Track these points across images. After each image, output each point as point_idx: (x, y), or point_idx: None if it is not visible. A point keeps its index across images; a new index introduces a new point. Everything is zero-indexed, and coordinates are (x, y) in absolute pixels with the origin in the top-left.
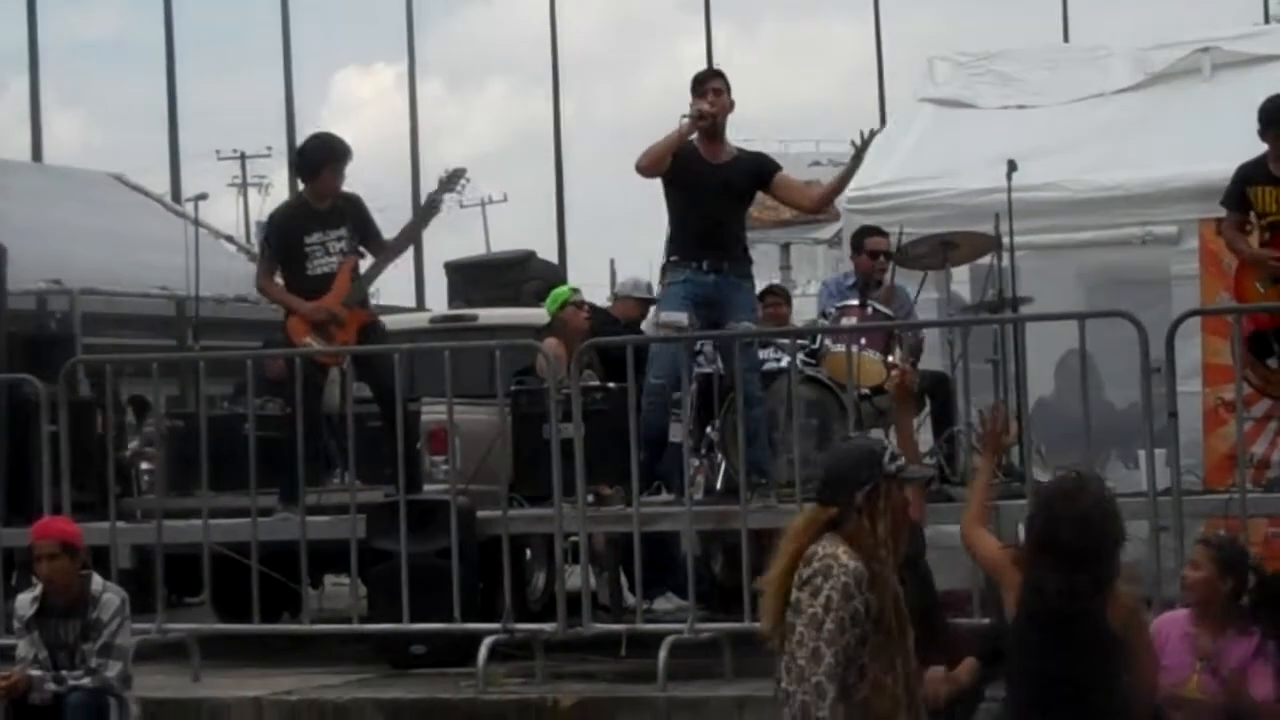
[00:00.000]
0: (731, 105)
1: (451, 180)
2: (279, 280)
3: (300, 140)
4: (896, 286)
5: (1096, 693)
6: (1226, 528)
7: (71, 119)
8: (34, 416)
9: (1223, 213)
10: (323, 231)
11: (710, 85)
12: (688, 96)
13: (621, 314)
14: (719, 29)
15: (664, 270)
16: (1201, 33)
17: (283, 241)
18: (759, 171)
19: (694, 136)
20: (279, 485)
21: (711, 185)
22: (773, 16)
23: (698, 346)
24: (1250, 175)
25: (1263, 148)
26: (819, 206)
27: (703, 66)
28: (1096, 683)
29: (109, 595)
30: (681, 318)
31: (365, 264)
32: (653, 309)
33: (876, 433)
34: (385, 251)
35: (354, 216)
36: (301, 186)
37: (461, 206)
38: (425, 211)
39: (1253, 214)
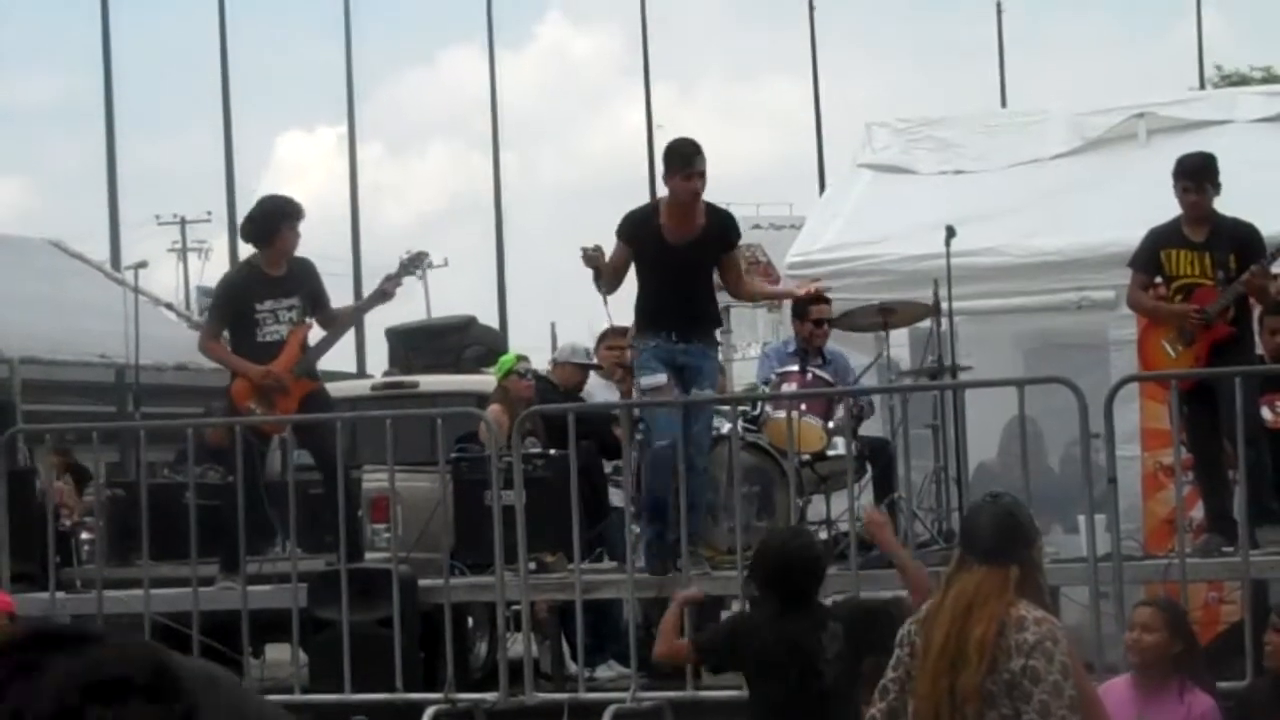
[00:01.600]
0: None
1: (413, 263)
2: (225, 341)
3: (241, 203)
4: (835, 352)
5: None
6: (1166, 592)
7: (10, 185)
8: None
9: None
10: (275, 300)
11: (699, 167)
12: (630, 159)
13: (561, 380)
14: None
15: (634, 339)
16: (1137, 98)
17: (233, 307)
18: (723, 241)
19: (666, 205)
20: (220, 554)
21: (678, 265)
22: (713, 78)
23: (637, 414)
24: (1164, 238)
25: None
26: (748, 299)
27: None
28: None
29: None
30: (660, 379)
31: (314, 334)
32: (592, 377)
33: (818, 499)
34: (335, 325)
35: (307, 284)
36: (252, 251)
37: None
38: (380, 291)
39: (1158, 278)
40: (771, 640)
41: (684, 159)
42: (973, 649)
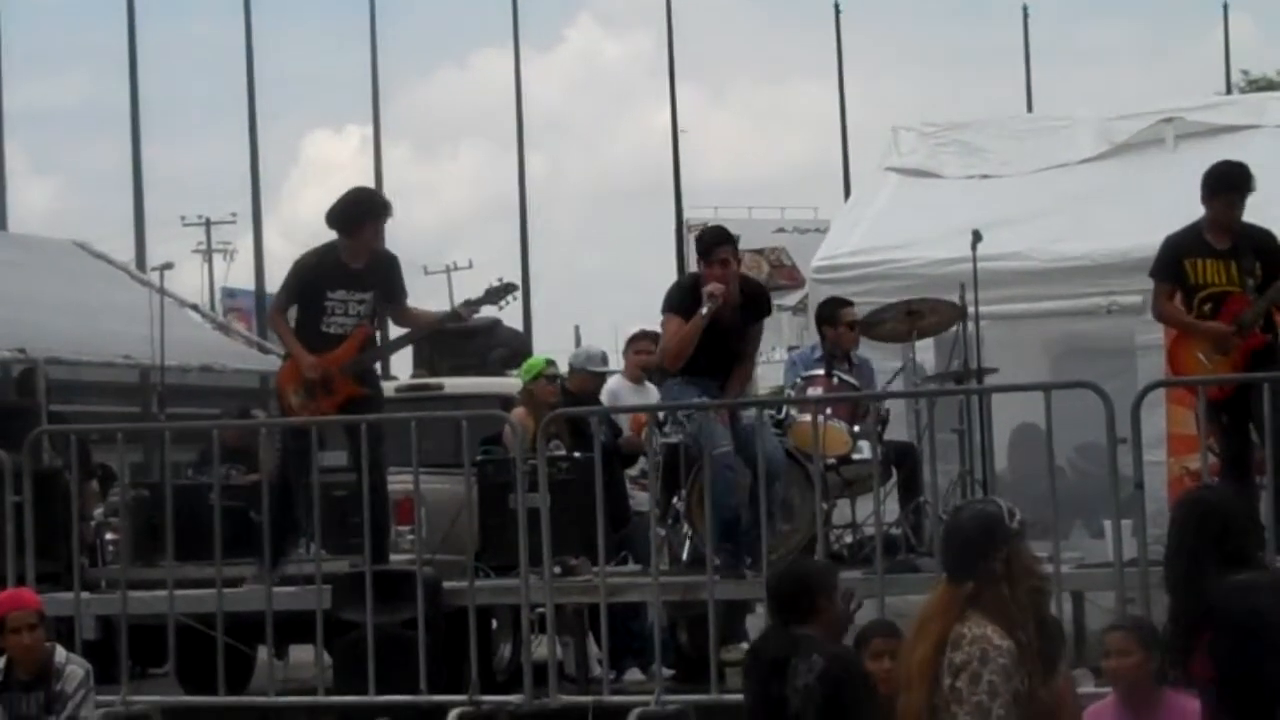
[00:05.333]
0: (738, 271)
1: (499, 293)
2: (291, 318)
3: (267, 204)
4: (862, 358)
5: None
6: (1127, 611)
7: (39, 186)
8: None
9: None
10: (348, 290)
11: (719, 255)
12: (656, 161)
13: (576, 387)
14: (689, 93)
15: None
16: (1165, 103)
17: (305, 287)
18: (757, 313)
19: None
20: (245, 554)
21: (717, 345)
22: (742, 81)
23: (662, 417)
24: (1186, 247)
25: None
26: (739, 380)
27: (691, 140)
28: None
29: (73, 668)
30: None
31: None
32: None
33: (842, 503)
34: (401, 336)
35: (385, 279)
36: (335, 238)
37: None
38: (456, 313)
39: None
40: (754, 651)
41: (704, 248)
42: (914, 669)
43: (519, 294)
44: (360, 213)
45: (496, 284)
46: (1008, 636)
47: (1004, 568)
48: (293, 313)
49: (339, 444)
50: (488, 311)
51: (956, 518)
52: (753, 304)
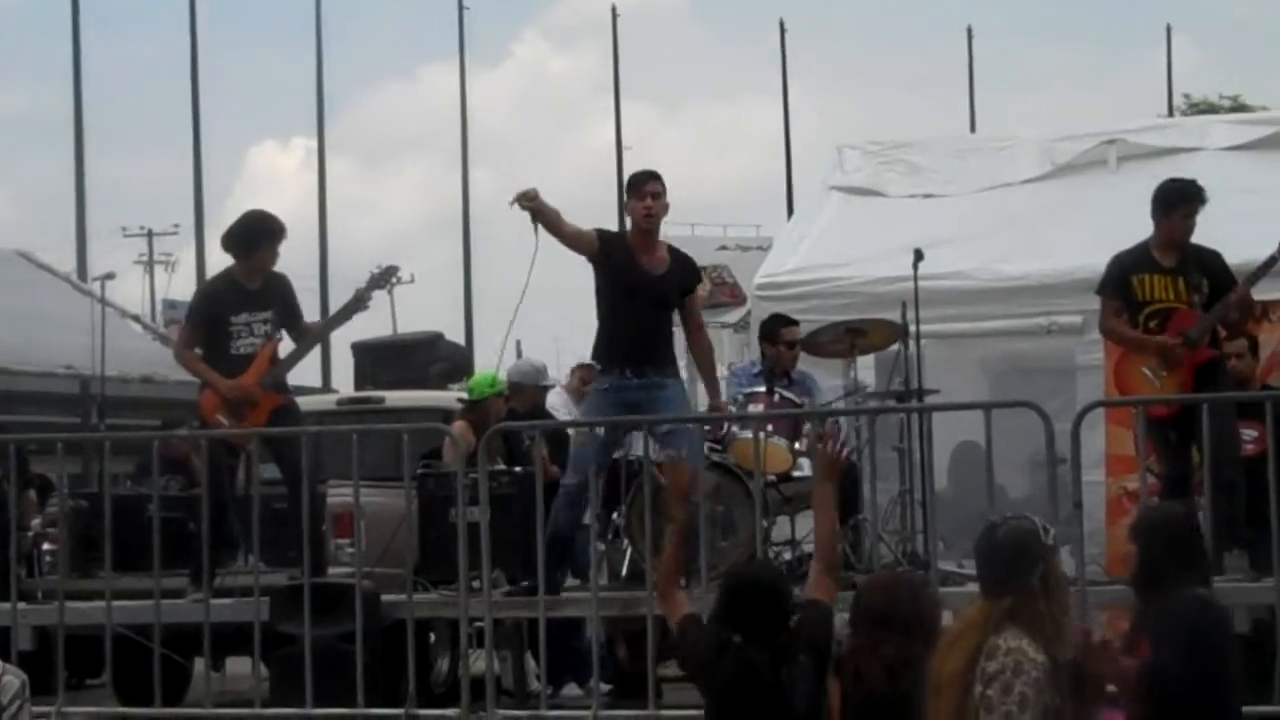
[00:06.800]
0: (667, 206)
1: (383, 277)
2: (198, 352)
3: (210, 216)
4: (802, 373)
5: None
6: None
7: None
8: None
9: None
10: (250, 312)
11: (648, 188)
12: (602, 178)
13: (516, 403)
14: (636, 110)
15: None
16: (1107, 125)
17: (208, 317)
18: (685, 283)
19: (630, 234)
20: (182, 566)
21: (647, 299)
22: (688, 99)
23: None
24: (1133, 264)
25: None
26: (696, 353)
27: (636, 157)
28: None
29: (9, 678)
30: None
31: (284, 347)
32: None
33: (782, 520)
34: (305, 339)
35: (281, 298)
36: (232, 263)
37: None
38: (349, 306)
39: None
40: (732, 670)
41: (636, 184)
42: (945, 680)
43: (401, 275)
44: (257, 235)
45: (377, 270)
46: (1042, 652)
47: (1041, 584)
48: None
49: (266, 457)
50: (380, 298)
51: (993, 534)
52: (680, 275)
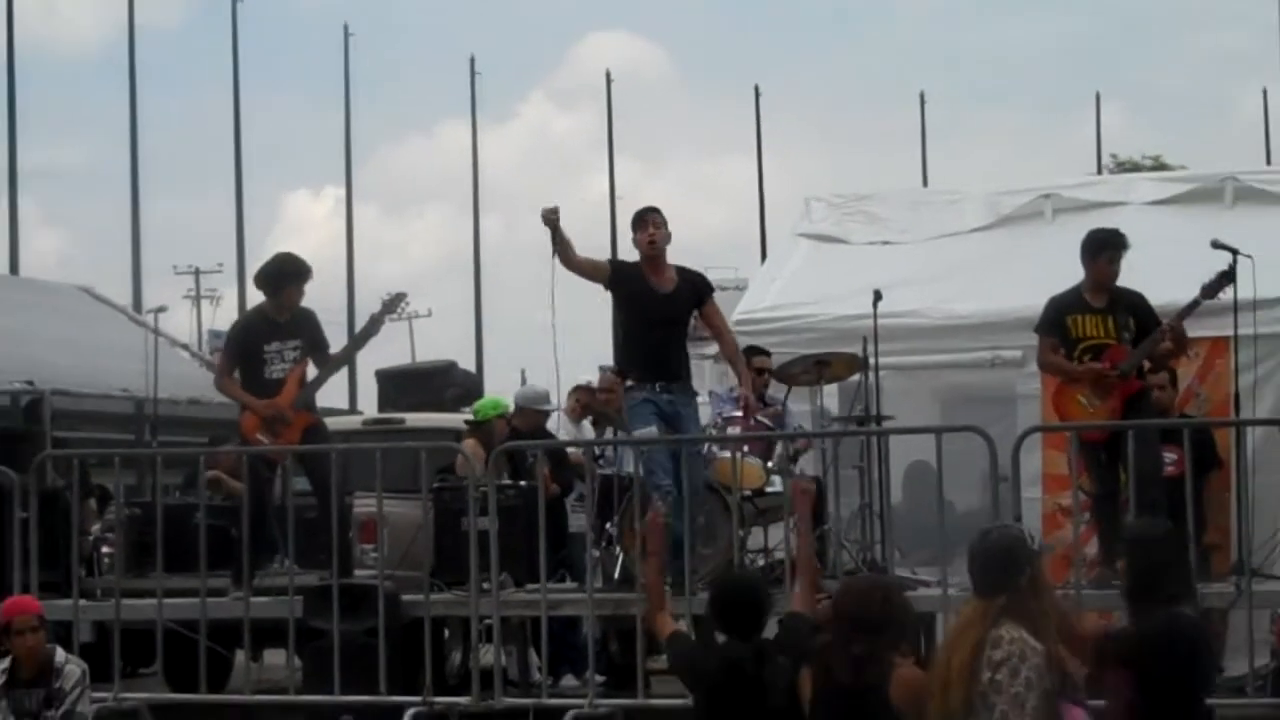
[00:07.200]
0: (669, 236)
1: (392, 303)
2: (236, 378)
3: (250, 256)
4: (774, 399)
5: None
6: None
7: (49, 237)
8: (7, 504)
9: None
10: (280, 341)
11: (649, 219)
12: (595, 224)
13: (521, 424)
14: (627, 165)
15: (625, 390)
16: (1044, 181)
17: (243, 347)
18: (697, 295)
19: (640, 262)
20: (225, 567)
21: (658, 315)
22: (673, 155)
23: (599, 451)
24: (1066, 306)
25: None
26: (727, 353)
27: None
28: None
29: (71, 667)
30: (652, 430)
31: (312, 372)
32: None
33: (757, 531)
34: (329, 363)
35: (308, 330)
36: (263, 299)
37: (401, 320)
38: (366, 330)
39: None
40: (717, 666)
41: (638, 218)
42: (954, 672)
43: (409, 302)
44: (285, 276)
45: (388, 296)
46: (1041, 642)
47: (1029, 584)
48: (236, 376)
49: (299, 471)
50: (389, 320)
51: (984, 541)
52: (691, 290)
